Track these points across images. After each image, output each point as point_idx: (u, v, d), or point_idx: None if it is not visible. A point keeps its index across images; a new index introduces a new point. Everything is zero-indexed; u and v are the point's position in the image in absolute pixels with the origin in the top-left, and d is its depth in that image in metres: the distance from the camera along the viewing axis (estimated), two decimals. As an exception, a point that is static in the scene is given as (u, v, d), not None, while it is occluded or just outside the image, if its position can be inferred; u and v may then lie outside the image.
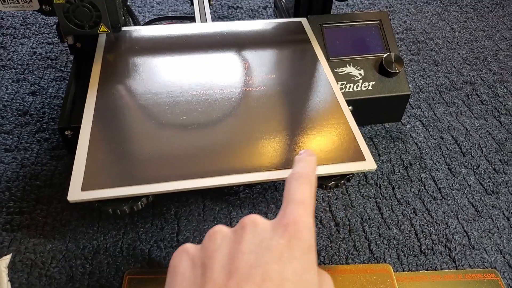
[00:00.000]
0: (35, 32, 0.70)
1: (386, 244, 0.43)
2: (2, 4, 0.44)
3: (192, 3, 0.70)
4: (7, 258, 0.38)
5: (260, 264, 0.23)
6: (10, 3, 0.44)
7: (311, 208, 0.27)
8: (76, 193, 0.33)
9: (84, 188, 0.33)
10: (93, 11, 0.43)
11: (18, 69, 0.62)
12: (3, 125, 0.53)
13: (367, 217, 0.45)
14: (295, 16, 0.64)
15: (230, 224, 0.44)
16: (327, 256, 0.42)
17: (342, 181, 0.37)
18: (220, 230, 0.26)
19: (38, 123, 0.54)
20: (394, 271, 0.40)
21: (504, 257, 0.42)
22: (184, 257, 0.26)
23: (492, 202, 0.48)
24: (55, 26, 0.72)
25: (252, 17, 0.80)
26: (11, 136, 0.52)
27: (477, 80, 0.67)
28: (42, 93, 0.59)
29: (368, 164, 0.36)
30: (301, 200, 0.27)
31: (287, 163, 0.36)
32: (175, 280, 0.25)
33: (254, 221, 0.26)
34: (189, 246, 0.27)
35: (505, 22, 0.83)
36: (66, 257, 0.40)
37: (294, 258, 0.24)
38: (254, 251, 0.24)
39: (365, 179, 0.49)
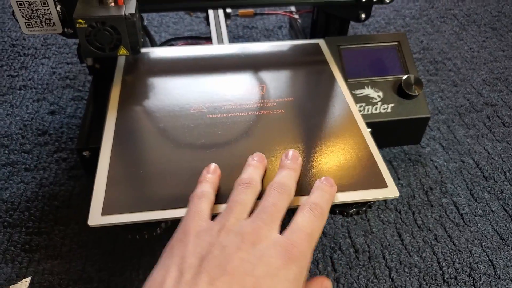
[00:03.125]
0: (55, 52, 0.72)
1: (407, 272, 0.42)
2: (27, 28, 0.45)
3: (208, 23, 0.71)
4: (27, 280, 0.38)
5: (255, 275, 0.26)
6: (35, 27, 0.45)
7: (315, 243, 0.29)
8: (96, 217, 0.33)
9: (105, 212, 0.33)
10: (114, 34, 0.44)
11: (38, 89, 0.64)
12: (24, 144, 0.54)
13: (387, 243, 0.44)
14: (311, 37, 0.65)
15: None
16: (346, 284, 0.41)
17: (364, 208, 0.36)
18: (235, 222, 0.29)
19: (56, 143, 0.55)
20: (416, 301, 0.39)
21: (531, 287, 0.41)
22: (199, 225, 0.29)
23: (517, 229, 0.46)
24: (74, 46, 0.73)
25: (267, 37, 0.81)
26: (30, 156, 0.53)
27: (498, 101, 0.66)
28: (61, 112, 0.60)
29: (391, 191, 0.36)
30: (309, 233, 0.29)
31: (306, 190, 0.35)
32: (188, 239, 0.28)
33: (264, 236, 0.28)
34: (204, 216, 0.30)
35: (524, 41, 0.82)
36: (83, 279, 0.40)
37: (287, 279, 0.26)
38: (253, 262, 0.26)
39: (384, 204, 0.49)
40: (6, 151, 0.53)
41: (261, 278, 0.26)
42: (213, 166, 0.35)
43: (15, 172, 0.50)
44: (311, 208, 0.30)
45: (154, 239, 0.44)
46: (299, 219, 0.30)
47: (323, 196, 0.32)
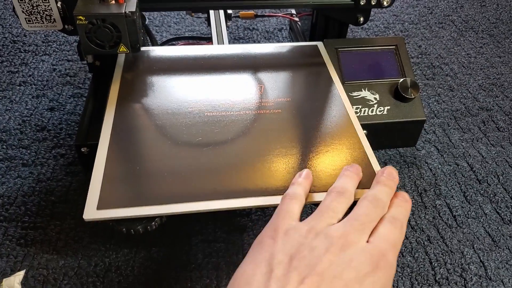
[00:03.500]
0: (56, 49, 0.72)
1: (399, 272, 0.42)
2: (27, 23, 0.45)
3: (209, 24, 0.71)
4: (21, 274, 0.38)
5: (344, 278, 0.26)
6: (35, 22, 0.46)
7: (396, 255, 0.29)
8: (91, 211, 0.33)
9: (100, 207, 0.33)
10: (114, 32, 0.44)
11: (38, 85, 0.64)
12: (22, 140, 0.54)
13: (381, 243, 0.45)
14: (310, 40, 0.65)
15: (242, 246, 0.44)
16: (339, 283, 0.41)
17: (357, 207, 0.36)
18: (325, 226, 0.29)
19: (55, 139, 0.55)
20: (408, 301, 0.40)
21: (522, 290, 0.41)
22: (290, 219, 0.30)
23: (509, 232, 0.47)
24: (75, 44, 0.74)
25: (268, 39, 0.81)
26: (28, 151, 0.53)
27: (493, 106, 0.66)
28: (60, 109, 0.60)
29: (384, 191, 0.36)
30: (394, 244, 0.29)
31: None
32: (277, 236, 0.29)
33: (352, 242, 0.28)
34: (294, 216, 0.30)
35: (521, 48, 0.83)
36: (78, 274, 0.41)
37: (374, 286, 0.26)
38: (342, 266, 0.26)
39: (378, 205, 0.49)
40: (4, 146, 0.53)
41: (349, 282, 0.26)
42: (305, 171, 0.36)
43: (12, 167, 0.51)
44: (391, 221, 0.31)
45: (149, 236, 0.44)
46: (382, 230, 0.30)
47: (401, 212, 0.32)
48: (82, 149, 0.47)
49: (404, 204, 0.33)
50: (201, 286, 0.40)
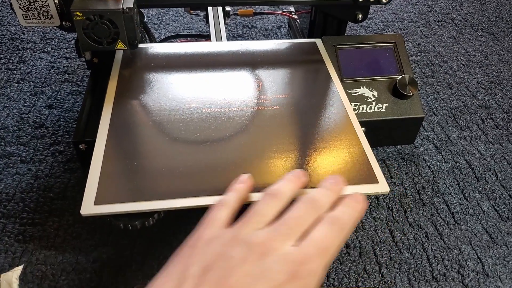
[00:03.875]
0: (54, 47, 0.72)
1: (397, 268, 0.42)
2: (25, 20, 0.45)
3: (207, 22, 0.71)
4: (19, 269, 0.38)
5: None
6: (32, 19, 0.45)
7: (330, 259, 0.28)
8: (89, 206, 0.33)
9: (97, 202, 0.33)
10: (112, 28, 0.44)
11: (36, 83, 0.64)
12: (20, 137, 0.54)
13: (378, 240, 0.45)
14: (309, 37, 0.65)
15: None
16: (336, 278, 0.41)
17: (354, 203, 0.36)
18: (249, 232, 0.28)
19: (53, 136, 0.55)
20: (405, 297, 0.40)
21: (519, 286, 0.42)
22: (214, 226, 0.29)
23: (507, 229, 0.47)
24: (73, 41, 0.74)
25: (267, 37, 0.81)
26: (27, 148, 0.53)
27: (492, 104, 0.66)
28: (58, 106, 0.60)
29: (381, 186, 0.36)
30: (324, 248, 0.27)
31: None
32: (197, 245, 0.28)
33: (274, 248, 0.27)
34: (220, 224, 0.29)
35: (520, 46, 0.83)
36: (76, 270, 0.41)
37: None
38: (256, 277, 0.25)
39: (376, 201, 0.49)
40: (2, 143, 0.53)
41: None
42: (244, 176, 0.34)
43: (10, 164, 0.51)
44: (329, 222, 0.29)
45: (147, 231, 0.44)
46: (314, 234, 0.28)
47: (346, 212, 0.30)
48: (80, 146, 0.47)
49: (353, 205, 0.31)
50: (199, 282, 0.40)
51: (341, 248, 0.43)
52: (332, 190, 0.32)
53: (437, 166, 0.54)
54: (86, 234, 0.44)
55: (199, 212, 0.47)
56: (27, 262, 0.41)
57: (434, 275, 0.42)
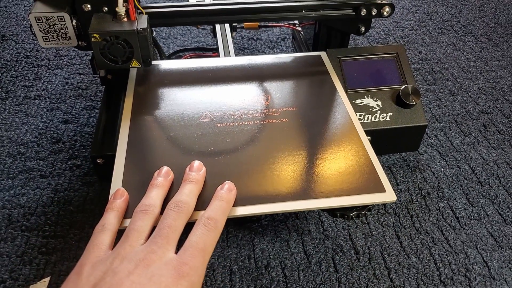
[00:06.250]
0: (67, 63, 0.75)
1: (405, 273, 0.44)
2: (44, 41, 0.48)
3: (214, 35, 0.74)
4: (47, 280, 0.40)
5: None
6: (51, 40, 0.48)
7: (208, 255, 0.31)
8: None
9: (120, 215, 0.35)
10: (127, 47, 0.46)
11: (52, 99, 0.66)
12: (39, 152, 0.57)
13: (387, 245, 0.46)
14: (313, 49, 0.67)
15: (253, 251, 0.46)
16: (347, 284, 0.43)
17: (364, 212, 0.38)
18: (130, 250, 0.30)
19: (70, 150, 0.57)
20: (414, 300, 0.41)
21: (524, 288, 0.43)
22: (96, 253, 0.30)
23: (511, 233, 0.48)
24: (85, 57, 0.76)
25: (271, 48, 0.83)
26: (46, 163, 0.55)
27: (493, 110, 0.68)
28: (74, 121, 0.62)
29: (389, 195, 0.38)
30: (202, 248, 0.31)
31: (308, 194, 0.38)
32: (83, 270, 0.29)
33: (156, 259, 0.29)
34: (103, 247, 0.31)
35: (520, 52, 0.85)
36: (97, 281, 0.42)
37: None
38: (143, 283, 0.28)
39: (384, 208, 0.51)
40: (23, 159, 0.56)
41: None
42: (118, 190, 0.36)
43: (31, 178, 0.53)
44: (205, 223, 0.32)
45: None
46: (192, 237, 0.31)
47: (220, 206, 0.34)
48: (98, 160, 0.49)
49: (225, 196, 0.35)
50: (216, 290, 0.42)
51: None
52: (194, 181, 0.36)
53: (441, 172, 0.56)
54: (106, 245, 0.46)
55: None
56: (50, 273, 0.43)
57: (442, 279, 0.43)
